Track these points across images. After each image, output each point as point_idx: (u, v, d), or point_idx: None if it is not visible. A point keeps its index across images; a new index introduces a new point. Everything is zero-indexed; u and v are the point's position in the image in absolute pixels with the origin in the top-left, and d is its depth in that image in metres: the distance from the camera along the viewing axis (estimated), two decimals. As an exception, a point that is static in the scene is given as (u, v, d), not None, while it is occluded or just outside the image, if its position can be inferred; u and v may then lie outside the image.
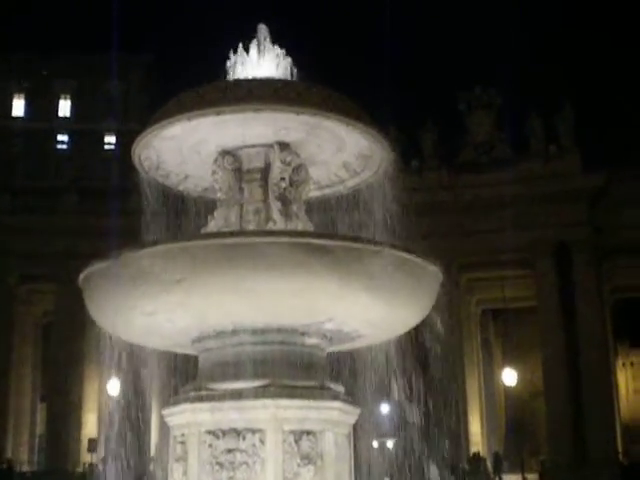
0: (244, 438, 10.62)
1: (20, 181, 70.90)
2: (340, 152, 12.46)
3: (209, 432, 10.79)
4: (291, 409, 10.84)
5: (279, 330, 11.08)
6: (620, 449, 56.70)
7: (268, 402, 10.70)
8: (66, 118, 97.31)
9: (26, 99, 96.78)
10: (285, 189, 11.88)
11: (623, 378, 75.38)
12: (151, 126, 11.73)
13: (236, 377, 10.97)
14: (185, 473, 10.95)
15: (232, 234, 10.98)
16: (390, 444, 38.86)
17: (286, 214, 11.77)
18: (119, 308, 10.83)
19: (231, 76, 12.73)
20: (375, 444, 34.69)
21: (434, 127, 61.22)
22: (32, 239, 57.90)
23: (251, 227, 11.89)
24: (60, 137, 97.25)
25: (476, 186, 56.92)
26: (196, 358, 12.03)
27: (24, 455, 63.83)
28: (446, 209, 56.35)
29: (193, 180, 13.10)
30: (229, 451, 10.63)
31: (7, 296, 60.04)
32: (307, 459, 10.67)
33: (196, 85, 11.71)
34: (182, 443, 11.16)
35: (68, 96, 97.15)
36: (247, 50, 12.97)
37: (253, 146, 12.05)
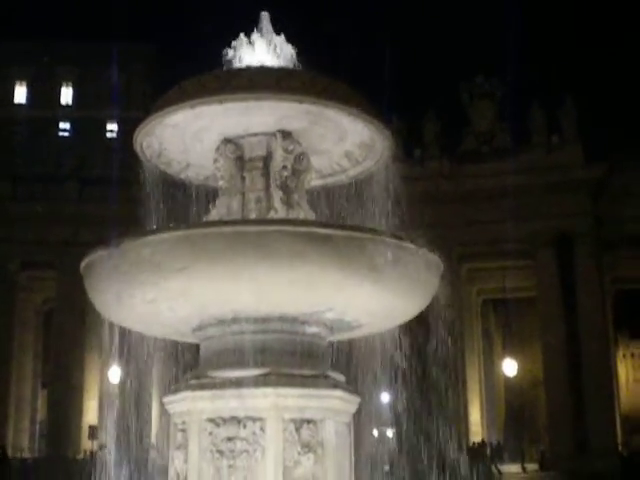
0: (244, 426, 10.64)
1: (21, 168, 70.84)
2: (342, 141, 12.45)
3: (210, 420, 10.81)
4: (292, 397, 10.85)
5: (280, 319, 11.09)
6: (620, 439, 56.88)
7: (268, 390, 10.71)
8: (68, 106, 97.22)
9: (28, 86, 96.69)
10: (287, 178, 11.87)
11: (623, 369, 75.65)
12: (153, 114, 11.72)
13: (237, 365, 10.98)
14: (185, 461, 10.98)
15: (233, 223, 10.97)
16: (390, 433, 38.97)
17: (288, 203, 11.76)
18: (120, 296, 10.84)
19: (233, 65, 12.71)
20: (375, 433, 34.80)
21: (436, 117, 61.14)
22: (33, 226, 58.01)
23: (253, 216, 11.88)
24: (62, 125, 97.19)
25: (478, 176, 56.90)
26: (197, 346, 12.05)
27: (25, 442, 64.09)
28: (447, 199, 56.34)
29: (195, 168, 13.09)
30: (229, 439, 10.64)
31: (8, 283, 60.16)
32: (307, 447, 10.69)
33: (198, 73, 11.71)
34: (183, 431, 11.19)
35: (70, 83, 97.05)
36: (249, 38, 12.96)
37: (255, 134, 12.03)
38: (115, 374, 39.52)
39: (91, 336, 53.37)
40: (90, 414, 59.56)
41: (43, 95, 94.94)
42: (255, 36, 12.99)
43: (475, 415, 59.37)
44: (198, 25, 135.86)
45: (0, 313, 59.36)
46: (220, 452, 10.65)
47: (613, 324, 63.62)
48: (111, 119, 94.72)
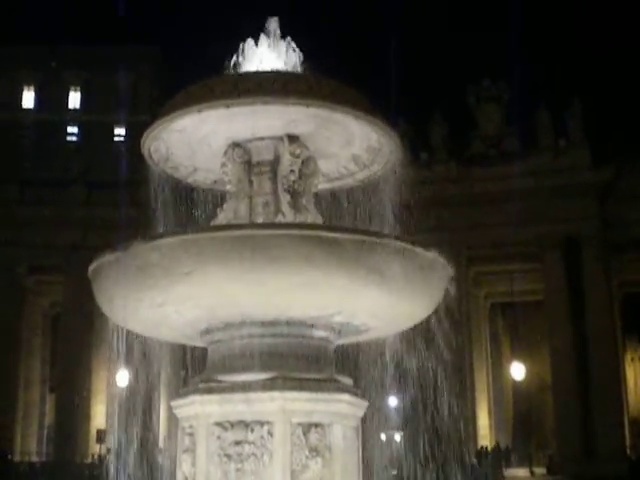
0: (252, 430, 10.64)
1: (29, 172, 71.09)
2: (349, 145, 12.44)
3: (217, 424, 10.81)
4: (299, 401, 10.85)
5: (287, 322, 11.08)
6: (628, 443, 56.67)
7: (276, 394, 10.71)
8: (75, 110, 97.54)
9: (35, 91, 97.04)
10: (294, 182, 11.87)
11: (631, 372, 75.20)
12: (160, 118, 11.74)
13: (245, 369, 10.98)
14: (193, 464, 10.98)
15: (241, 227, 10.98)
16: (398, 437, 38.95)
17: (295, 207, 11.76)
18: (127, 300, 10.84)
19: (240, 69, 12.72)
20: (383, 437, 34.75)
21: (443, 120, 61.14)
22: (41, 230, 58.16)
23: (260, 220, 11.89)
24: (70, 129, 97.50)
25: (485, 179, 56.84)
26: (205, 350, 12.05)
27: (33, 446, 64.14)
28: (455, 202, 56.25)
29: (202, 172, 13.10)
30: (237, 443, 10.64)
31: (16, 286, 60.29)
32: (315, 451, 10.68)
33: (205, 76, 11.73)
34: (190, 435, 11.19)
35: (78, 88, 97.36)
36: (257, 43, 12.97)
37: (262, 139, 12.04)
38: (123, 378, 39.54)
39: (99, 340, 53.37)
40: (98, 418, 59.59)
41: (51, 99, 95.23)
42: (262, 40, 13.01)
43: (483, 419, 59.27)
44: (204, 27, 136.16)
45: (8, 317, 59.43)
46: (228, 456, 10.65)
47: (621, 328, 63.40)
48: (118, 123, 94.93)
